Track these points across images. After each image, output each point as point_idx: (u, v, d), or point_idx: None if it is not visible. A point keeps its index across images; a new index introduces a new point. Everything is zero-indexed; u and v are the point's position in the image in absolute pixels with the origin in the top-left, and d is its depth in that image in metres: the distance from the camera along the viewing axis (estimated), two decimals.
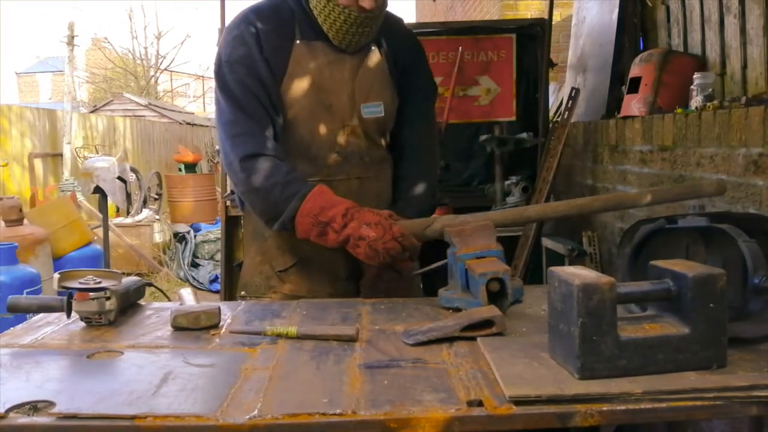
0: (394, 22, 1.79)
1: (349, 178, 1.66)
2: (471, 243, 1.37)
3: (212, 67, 1.67)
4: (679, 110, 2.52)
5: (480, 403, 0.86)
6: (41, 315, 1.37)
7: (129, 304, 1.39)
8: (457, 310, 1.30)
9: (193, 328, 1.24)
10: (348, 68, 1.65)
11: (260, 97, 1.56)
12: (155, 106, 15.85)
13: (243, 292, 1.73)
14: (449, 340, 1.13)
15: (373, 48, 1.70)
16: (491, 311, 1.16)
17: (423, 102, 1.81)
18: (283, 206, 1.51)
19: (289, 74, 1.59)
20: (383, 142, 1.77)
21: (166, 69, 24.25)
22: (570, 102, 3.51)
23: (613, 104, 3.44)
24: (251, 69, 1.56)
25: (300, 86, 1.60)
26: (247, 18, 1.59)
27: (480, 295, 1.23)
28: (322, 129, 1.64)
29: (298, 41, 1.61)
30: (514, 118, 3.63)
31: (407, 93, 1.76)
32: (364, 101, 1.66)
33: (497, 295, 1.24)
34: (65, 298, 1.26)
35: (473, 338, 1.12)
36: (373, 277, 1.64)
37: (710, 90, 2.49)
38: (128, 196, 6.58)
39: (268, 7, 1.64)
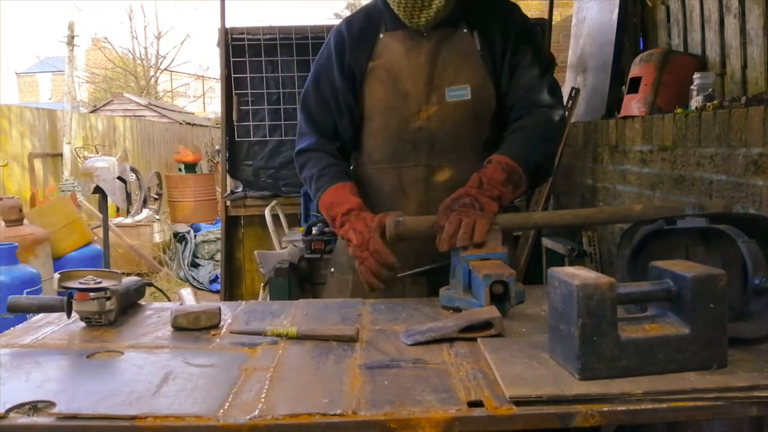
0: (491, 1, 1.70)
1: (417, 165, 1.66)
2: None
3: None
4: (679, 110, 2.52)
5: (480, 404, 0.86)
6: (41, 315, 1.37)
7: (129, 304, 1.39)
8: (458, 310, 1.30)
9: (193, 328, 1.24)
10: (425, 53, 1.64)
11: (329, 101, 1.72)
12: (155, 106, 15.84)
13: (332, 269, 1.83)
14: (449, 340, 1.13)
15: (461, 30, 1.65)
16: (490, 312, 1.16)
17: (531, 82, 1.65)
18: (313, 196, 1.68)
19: (371, 68, 1.67)
20: (478, 129, 1.67)
21: (166, 69, 24.24)
22: (570, 102, 3.52)
23: (613, 104, 3.45)
24: (326, 77, 1.72)
25: (378, 77, 1.67)
26: (338, 29, 1.74)
27: (482, 296, 1.23)
28: (397, 116, 1.66)
29: (381, 35, 1.68)
30: None
31: (513, 74, 1.65)
32: (449, 85, 1.63)
33: (500, 297, 1.24)
34: (65, 298, 1.26)
35: (473, 339, 1.12)
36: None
37: (710, 90, 2.49)
38: (128, 196, 6.57)
39: (360, 11, 1.77)
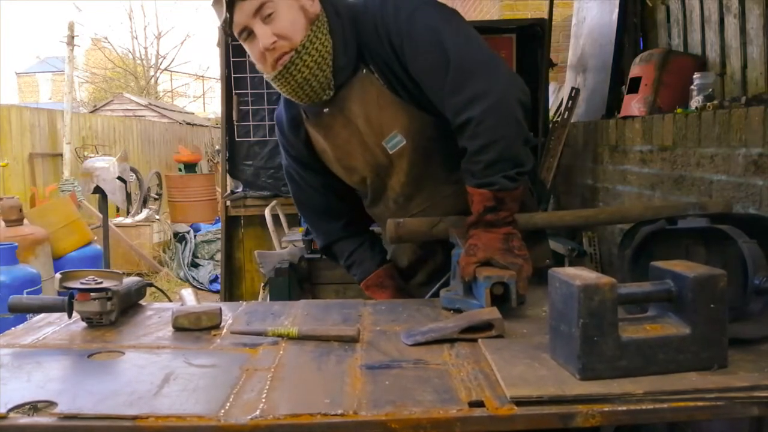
0: (367, 22, 1.45)
1: (423, 209, 1.56)
2: None
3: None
4: (679, 110, 2.53)
5: (481, 404, 0.86)
6: (42, 315, 1.37)
7: (130, 305, 1.39)
8: (459, 311, 1.30)
9: (194, 328, 1.24)
10: (338, 128, 1.52)
11: (313, 185, 1.69)
12: (155, 106, 15.83)
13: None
14: (450, 341, 1.13)
15: (359, 75, 1.46)
16: (491, 313, 1.16)
17: (444, 78, 1.37)
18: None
19: (313, 155, 1.64)
20: (441, 153, 1.51)
21: (166, 69, 24.23)
22: (570, 102, 3.52)
23: (613, 104, 3.45)
24: (290, 171, 1.71)
25: (329, 161, 1.62)
26: (277, 122, 1.70)
27: (483, 298, 1.22)
28: (369, 186, 1.60)
29: (306, 125, 1.61)
30: None
31: (424, 82, 1.44)
32: (382, 139, 1.50)
33: (500, 299, 1.23)
34: (66, 298, 1.26)
35: (473, 340, 1.12)
36: None
37: (710, 90, 2.49)
38: (128, 196, 6.58)
39: (283, 106, 1.66)
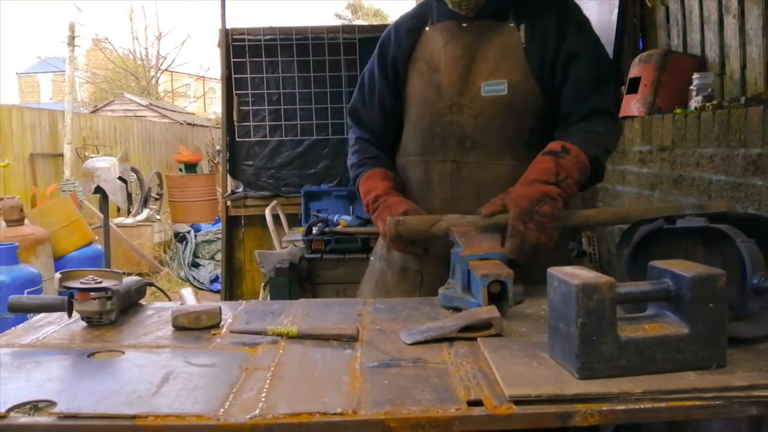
0: None
1: (445, 160, 1.61)
2: (476, 244, 1.36)
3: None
4: (678, 110, 2.53)
5: (480, 403, 0.87)
6: (42, 315, 1.37)
7: (130, 304, 1.39)
8: (457, 309, 1.30)
9: (194, 327, 1.24)
10: (462, 45, 1.59)
11: (365, 94, 1.78)
12: (156, 106, 15.85)
13: (371, 256, 1.90)
14: (449, 339, 1.13)
15: (507, 23, 1.57)
16: (490, 312, 1.16)
17: (582, 89, 1.55)
18: (352, 183, 1.78)
19: (412, 60, 1.67)
20: (514, 127, 1.58)
21: (166, 69, 24.24)
22: None
23: None
24: (369, 72, 1.78)
25: (418, 68, 1.65)
26: (387, 29, 1.76)
27: (480, 296, 1.23)
28: (429, 109, 1.62)
29: (427, 28, 1.66)
30: None
31: (569, 72, 1.56)
32: (485, 79, 1.56)
33: (498, 297, 1.24)
34: (66, 297, 1.26)
35: (472, 339, 1.12)
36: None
37: (709, 90, 2.49)
38: (129, 196, 6.58)
39: (411, 11, 1.76)
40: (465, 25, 1.60)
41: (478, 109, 1.57)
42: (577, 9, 1.63)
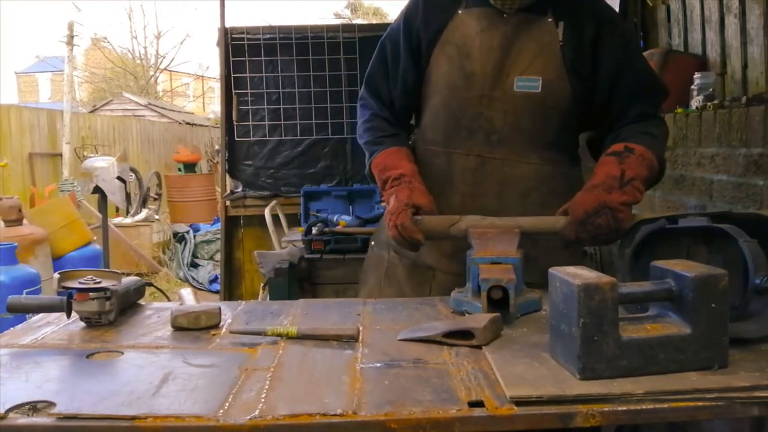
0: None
1: (469, 154, 1.55)
2: (490, 247, 1.32)
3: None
4: (679, 110, 2.52)
5: (481, 404, 0.86)
6: (41, 315, 1.37)
7: (129, 304, 1.39)
8: (465, 313, 1.27)
9: (193, 328, 1.23)
10: (500, 35, 1.52)
11: (388, 65, 1.66)
12: (155, 105, 15.84)
13: (373, 243, 1.81)
14: (437, 342, 1.11)
15: (545, 18, 1.52)
16: (477, 321, 1.12)
17: (626, 100, 1.54)
18: (367, 159, 1.64)
19: (441, 42, 1.57)
20: (544, 126, 1.54)
21: (165, 69, 24.24)
22: None
23: None
24: (391, 41, 1.66)
25: (446, 52, 1.56)
26: (416, 3, 1.64)
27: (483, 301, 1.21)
28: (457, 96, 1.55)
29: (460, 11, 1.57)
30: None
31: (612, 85, 1.53)
32: (520, 74, 1.51)
33: (502, 304, 1.20)
34: (65, 298, 1.26)
35: (454, 345, 1.09)
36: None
37: (711, 90, 2.49)
38: (128, 196, 6.57)
39: None
40: (505, 15, 1.52)
41: (509, 104, 1.52)
42: (615, 13, 1.60)
